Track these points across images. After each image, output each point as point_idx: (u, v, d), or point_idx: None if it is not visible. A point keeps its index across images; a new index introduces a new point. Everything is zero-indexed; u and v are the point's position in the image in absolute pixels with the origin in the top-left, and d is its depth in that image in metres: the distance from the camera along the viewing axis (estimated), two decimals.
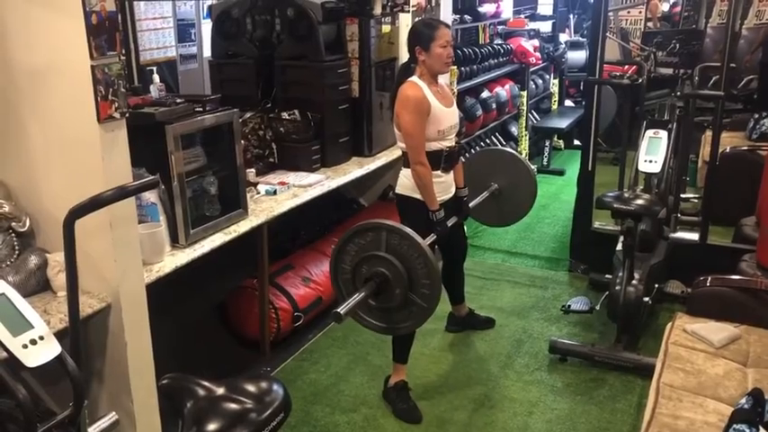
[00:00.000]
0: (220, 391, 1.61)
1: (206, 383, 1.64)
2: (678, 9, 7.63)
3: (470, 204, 3.60)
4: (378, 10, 4.59)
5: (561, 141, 7.81)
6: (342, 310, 2.51)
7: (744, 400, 2.02)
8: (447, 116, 3.19)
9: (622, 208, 3.32)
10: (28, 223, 2.45)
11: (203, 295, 3.63)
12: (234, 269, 3.66)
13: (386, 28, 4.47)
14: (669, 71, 6.45)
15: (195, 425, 1.53)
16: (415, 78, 3.14)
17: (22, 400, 1.83)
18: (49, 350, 1.86)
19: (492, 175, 3.92)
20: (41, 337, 1.86)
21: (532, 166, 3.97)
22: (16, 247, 2.43)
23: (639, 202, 3.34)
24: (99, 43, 2.20)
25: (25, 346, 1.82)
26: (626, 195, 3.44)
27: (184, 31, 6.21)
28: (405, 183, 3.23)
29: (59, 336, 1.95)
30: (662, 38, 6.79)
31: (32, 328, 1.86)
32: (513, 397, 3.23)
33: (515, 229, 5.07)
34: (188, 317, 3.50)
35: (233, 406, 1.56)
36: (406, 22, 4.62)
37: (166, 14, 5.95)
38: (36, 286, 2.42)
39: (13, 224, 2.42)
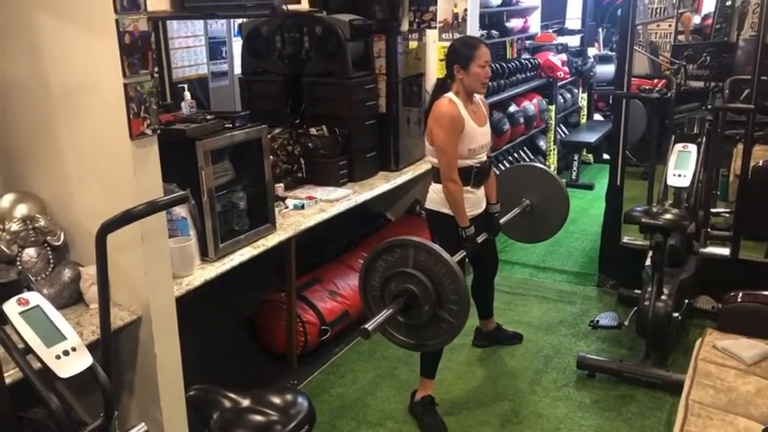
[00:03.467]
0: (246, 402, 1.64)
1: (232, 395, 1.66)
2: (710, 21, 7.55)
3: (501, 220, 3.58)
4: (405, 26, 4.65)
5: (590, 156, 7.76)
6: (370, 326, 2.51)
7: None
8: (479, 135, 3.20)
9: (651, 222, 3.29)
10: (62, 237, 2.52)
11: (232, 309, 3.68)
12: (262, 283, 3.71)
13: (413, 44, 4.51)
14: (700, 84, 6.40)
15: None
16: (451, 95, 3.14)
17: (55, 410, 1.88)
18: (81, 361, 1.91)
19: (523, 190, 3.88)
20: (74, 349, 1.91)
21: (562, 182, 3.95)
22: (51, 261, 2.49)
23: (668, 216, 3.31)
24: (132, 62, 2.26)
25: (58, 357, 1.87)
26: (654, 210, 3.41)
27: (216, 48, 6.33)
28: (434, 198, 3.24)
29: (91, 347, 1.99)
30: (692, 51, 6.73)
31: (65, 339, 1.91)
32: (540, 413, 3.20)
33: (544, 243, 5.01)
34: (217, 330, 3.55)
35: (258, 418, 1.59)
36: (432, 38, 4.67)
37: (198, 33, 6.06)
38: (69, 299, 2.47)
39: (48, 238, 2.49)
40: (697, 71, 6.54)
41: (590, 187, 6.90)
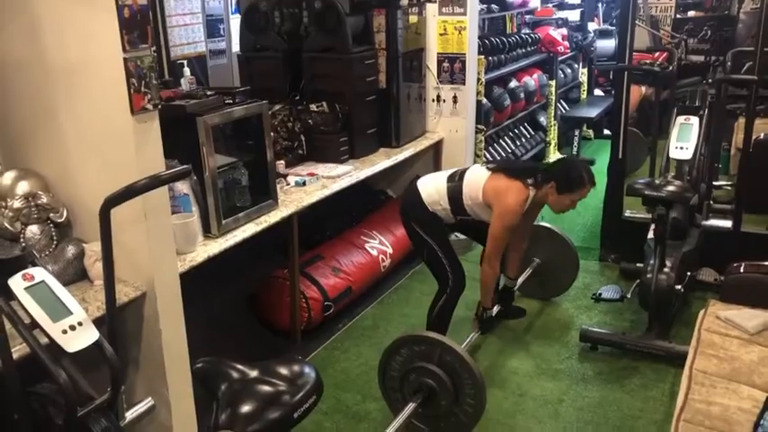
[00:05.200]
0: (254, 373, 1.64)
1: (240, 366, 1.67)
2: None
3: (516, 285, 3.65)
4: (405, 1, 4.60)
5: (591, 131, 7.73)
6: (391, 430, 2.58)
7: None
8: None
9: (653, 194, 3.29)
10: (65, 214, 2.51)
11: (235, 286, 3.68)
12: (264, 260, 3.71)
13: (413, 18, 4.47)
14: (701, 58, 6.36)
15: (229, 407, 1.56)
16: (531, 192, 3.07)
17: (63, 384, 1.89)
18: (88, 335, 1.92)
19: (533, 250, 3.92)
20: (80, 323, 1.91)
21: (569, 237, 4.02)
22: (54, 238, 2.49)
23: (670, 188, 3.30)
24: (131, 37, 2.24)
25: (65, 332, 1.87)
26: (657, 182, 3.40)
27: (213, 26, 6.27)
28: (433, 197, 3.20)
29: (96, 324, 1.99)
30: (693, 24, 6.68)
31: (71, 314, 1.91)
32: (543, 385, 3.22)
33: (546, 219, 5.04)
34: (221, 307, 3.56)
35: (267, 388, 1.59)
36: (432, 12, 4.65)
37: (195, 10, 6.01)
38: (73, 275, 2.47)
39: (51, 215, 2.48)
40: (698, 45, 6.50)
41: (591, 162, 6.85)
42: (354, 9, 4.07)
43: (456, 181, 3.18)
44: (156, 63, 2.40)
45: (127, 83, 2.27)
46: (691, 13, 7.22)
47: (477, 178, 3.13)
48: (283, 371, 1.65)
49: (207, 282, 3.31)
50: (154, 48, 3.45)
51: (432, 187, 3.21)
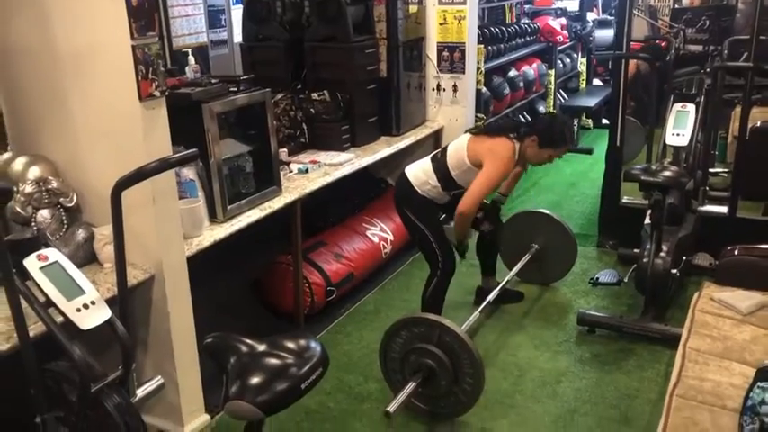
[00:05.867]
0: (262, 347, 1.71)
1: (248, 341, 1.73)
2: None
3: (514, 270, 3.84)
4: None
5: (590, 121, 7.78)
6: (392, 408, 2.65)
7: None
8: None
9: (650, 180, 3.35)
10: (75, 199, 2.58)
11: (240, 271, 3.75)
12: (269, 246, 3.77)
13: (413, 8, 4.52)
14: (699, 48, 6.40)
15: (239, 379, 1.63)
16: (516, 146, 3.18)
17: (78, 360, 1.97)
18: (101, 314, 1.99)
19: (531, 236, 4.03)
20: (93, 302, 1.99)
21: (567, 223, 4.08)
22: (65, 222, 2.56)
23: (666, 173, 3.36)
24: (139, 24, 2.30)
25: (78, 310, 1.95)
26: (653, 168, 3.46)
27: (215, 17, 6.30)
28: (421, 178, 3.29)
29: (107, 304, 2.06)
30: (691, 14, 6.72)
31: (84, 293, 1.99)
32: (542, 367, 3.29)
33: (544, 206, 5.10)
34: (226, 292, 3.63)
35: (274, 361, 1.66)
36: (432, 2, 4.68)
37: (197, 1, 6.05)
38: (84, 258, 2.54)
39: (62, 200, 2.55)
40: (696, 35, 6.54)
41: (589, 152, 6.94)
42: None
43: (439, 157, 3.30)
44: (162, 51, 2.45)
45: (135, 70, 2.34)
46: (686, 1, 7.25)
47: (459, 146, 3.25)
48: (290, 345, 1.72)
49: (213, 267, 3.38)
50: (160, 36, 3.51)
51: (418, 170, 3.31)
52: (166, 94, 2.48)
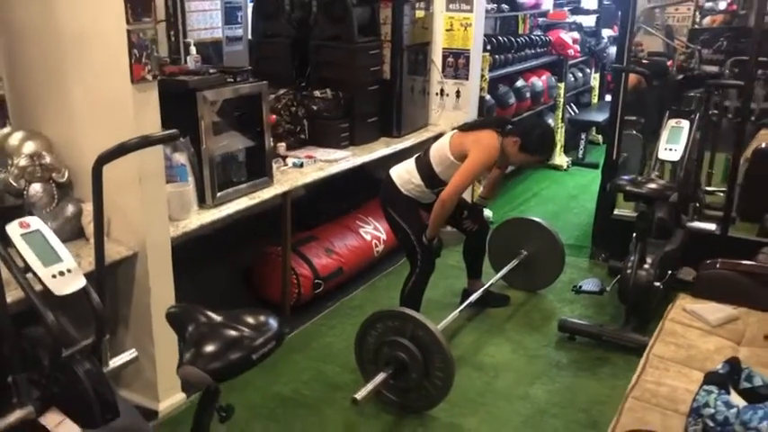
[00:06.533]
0: (220, 319, 1.79)
1: (208, 313, 1.81)
2: (734, 8, 7.51)
3: (500, 273, 3.94)
4: None
5: (600, 136, 7.80)
6: (359, 395, 2.73)
7: (720, 366, 2.11)
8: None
9: (634, 190, 3.39)
10: (67, 175, 2.68)
11: (231, 261, 3.84)
12: (260, 238, 3.86)
13: (420, 13, 4.60)
14: (714, 69, 6.41)
15: (194, 346, 1.70)
16: (500, 141, 3.27)
17: (51, 324, 2.04)
18: (76, 282, 2.07)
19: (520, 242, 4.09)
20: (69, 270, 2.07)
21: (557, 231, 4.13)
22: (55, 196, 2.66)
23: (651, 185, 3.40)
24: (135, 9, 2.41)
25: (54, 276, 2.03)
26: (639, 179, 3.50)
27: (231, 13, 6.40)
28: (404, 177, 3.38)
29: (89, 279, 2.14)
30: (709, 35, 6.73)
31: (62, 261, 2.07)
32: (517, 369, 3.34)
33: (542, 216, 5.15)
34: (216, 280, 3.70)
35: (230, 332, 1.73)
36: (440, 8, 4.76)
37: None
38: (71, 233, 2.64)
39: (54, 175, 2.65)
40: (712, 55, 6.55)
41: (595, 166, 6.94)
42: (362, 0, 4.21)
43: (423, 156, 3.38)
44: (156, 37, 2.55)
45: (129, 53, 2.44)
46: (706, 21, 7.25)
47: (442, 143, 3.34)
48: (249, 319, 1.79)
49: (207, 255, 3.48)
50: (173, 34, 3.64)
51: (402, 170, 3.40)
52: (158, 77, 2.57)
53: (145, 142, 2.06)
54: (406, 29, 4.43)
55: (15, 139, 2.65)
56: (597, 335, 3.54)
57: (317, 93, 4.20)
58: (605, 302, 3.95)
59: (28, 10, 2.62)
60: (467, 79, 4.83)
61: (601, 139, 7.82)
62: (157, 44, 2.56)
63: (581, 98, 7.92)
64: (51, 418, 2.12)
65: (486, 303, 3.92)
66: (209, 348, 1.69)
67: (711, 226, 3.97)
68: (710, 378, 2.01)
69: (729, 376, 2.07)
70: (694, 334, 2.66)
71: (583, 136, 7.15)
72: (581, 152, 7.17)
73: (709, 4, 7.59)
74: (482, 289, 3.73)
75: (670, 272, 3.75)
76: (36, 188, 2.61)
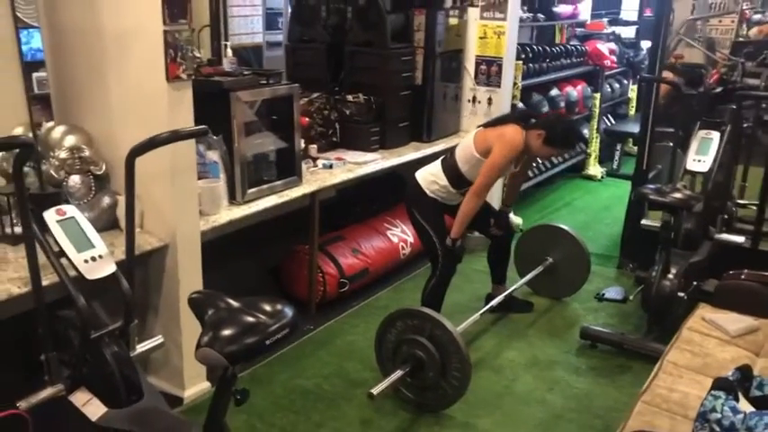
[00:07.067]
0: (238, 305, 1.87)
1: (228, 299, 1.90)
2: None
3: (525, 278, 3.97)
4: (448, 3, 4.79)
5: (635, 147, 7.73)
6: (376, 390, 2.80)
7: (730, 373, 2.11)
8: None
9: (658, 199, 3.39)
10: (104, 168, 2.81)
11: (261, 258, 3.95)
12: (289, 238, 3.95)
13: (453, 20, 4.66)
14: (756, 82, 6.33)
15: (212, 330, 1.79)
16: (523, 133, 3.31)
17: (81, 307, 2.16)
18: (107, 267, 2.19)
19: (547, 249, 4.12)
20: (101, 256, 2.19)
21: (583, 240, 4.14)
22: (93, 188, 2.79)
23: (676, 195, 3.40)
24: (172, 11, 2.53)
25: (86, 261, 2.15)
26: (665, 189, 3.50)
27: (272, 19, 6.58)
28: (428, 179, 3.43)
29: (121, 267, 2.25)
30: (753, 48, 6.64)
31: (94, 247, 2.19)
32: (536, 374, 3.36)
33: (574, 225, 5.14)
34: (247, 275, 3.81)
35: (248, 318, 1.81)
36: (474, 16, 4.81)
37: (257, 2, 6.33)
38: (107, 223, 2.77)
39: (92, 168, 2.78)
40: (755, 68, 6.47)
41: (630, 177, 6.90)
42: (396, 7, 4.30)
43: (449, 158, 3.44)
44: (191, 37, 2.66)
45: (165, 53, 2.55)
46: (753, 33, 7.15)
47: (467, 141, 3.40)
48: (266, 306, 1.87)
49: (237, 251, 3.58)
50: (206, 25, 3.76)
51: (427, 172, 3.46)
52: (193, 76, 2.68)
53: (174, 137, 2.16)
54: (439, 36, 4.50)
55: (57, 132, 2.79)
56: (618, 343, 3.54)
57: (349, 97, 4.30)
58: (630, 312, 3.94)
59: (71, 10, 2.76)
60: (499, 87, 4.88)
61: (636, 151, 7.77)
62: (192, 45, 2.67)
63: (618, 109, 7.88)
64: (80, 397, 2.23)
65: (509, 309, 3.95)
66: (226, 332, 1.77)
67: (740, 238, 3.92)
68: (719, 384, 2.02)
69: (739, 383, 2.07)
70: (712, 343, 2.66)
71: (618, 147, 7.12)
72: (616, 163, 7.14)
73: (757, 16, 7.49)
74: (504, 293, 3.76)
75: (695, 283, 3.72)
76: (75, 180, 2.75)
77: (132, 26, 2.62)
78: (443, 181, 3.38)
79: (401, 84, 4.39)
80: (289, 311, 1.88)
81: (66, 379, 2.23)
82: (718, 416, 1.93)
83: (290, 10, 6.60)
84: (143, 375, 2.35)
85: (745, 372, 2.11)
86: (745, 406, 1.99)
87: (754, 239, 4.13)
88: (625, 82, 7.71)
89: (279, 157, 3.46)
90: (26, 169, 2.54)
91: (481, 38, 4.84)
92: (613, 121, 7.65)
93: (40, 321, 2.19)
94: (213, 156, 3.11)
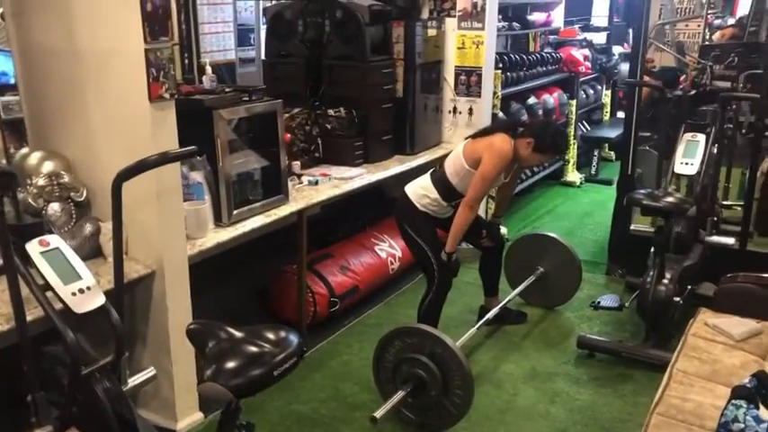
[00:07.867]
0: (240, 335, 1.77)
1: (228, 329, 1.80)
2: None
3: (517, 290, 3.90)
4: (425, 14, 4.75)
5: (612, 153, 7.78)
6: (378, 413, 2.71)
7: (747, 380, 2.06)
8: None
9: (651, 204, 3.37)
10: (85, 194, 2.69)
11: (248, 280, 3.84)
12: (276, 257, 3.85)
13: (431, 32, 4.62)
14: (726, 84, 6.40)
15: (215, 362, 1.69)
16: (512, 142, 3.26)
17: (70, 343, 2.04)
18: (95, 299, 2.07)
19: (537, 259, 4.07)
20: (89, 288, 2.07)
21: (573, 248, 4.11)
22: (73, 215, 2.67)
23: (669, 199, 3.37)
24: (152, 29, 2.43)
25: (74, 294, 2.03)
26: (656, 193, 3.48)
27: (244, 35, 6.47)
28: (419, 193, 3.37)
29: (108, 296, 2.14)
30: (720, 51, 6.72)
31: (81, 279, 2.07)
32: (537, 387, 3.30)
33: (557, 232, 5.12)
34: (234, 298, 3.70)
35: (251, 348, 1.72)
36: (452, 26, 4.78)
37: (228, 19, 6.23)
38: (89, 251, 2.64)
39: (72, 194, 2.66)
40: (724, 71, 6.54)
41: (609, 183, 6.92)
42: (374, 19, 4.23)
43: (438, 170, 3.39)
44: (173, 56, 2.57)
45: (146, 72, 2.45)
46: (716, 37, 7.24)
47: (456, 153, 3.34)
48: (269, 335, 1.78)
49: (222, 273, 3.47)
50: (187, 57, 3.66)
51: (417, 186, 3.40)
52: (176, 96, 2.58)
53: (164, 159, 2.07)
54: (418, 47, 4.45)
55: (34, 158, 2.66)
56: (617, 351, 3.49)
57: (330, 111, 4.21)
58: (624, 319, 3.91)
59: (46, 33, 2.65)
60: (479, 97, 4.84)
61: (613, 156, 7.80)
62: (174, 63, 2.58)
63: (592, 115, 7.91)
64: None
65: (503, 320, 3.88)
66: (231, 364, 1.68)
67: (730, 240, 3.92)
68: (738, 392, 1.97)
69: (757, 390, 2.03)
70: (718, 349, 2.62)
71: (595, 152, 7.14)
72: (594, 169, 7.15)
73: (717, 21, 7.59)
74: (499, 306, 3.70)
75: (689, 287, 3.70)
76: (54, 207, 2.62)
77: (111, 46, 2.51)
78: (434, 194, 3.31)
79: (382, 96, 4.32)
80: (294, 339, 1.80)
81: (54, 420, 2.11)
82: (741, 426, 1.88)
83: (262, 26, 6.54)
84: (136, 411, 2.24)
85: (761, 378, 2.06)
86: (766, 414, 1.94)
87: (741, 240, 4.13)
88: (599, 87, 7.75)
89: (264, 175, 3.36)
90: None
91: (460, 48, 4.81)
92: (588, 127, 7.68)
93: (25, 360, 2.07)
94: (197, 177, 3.01)
